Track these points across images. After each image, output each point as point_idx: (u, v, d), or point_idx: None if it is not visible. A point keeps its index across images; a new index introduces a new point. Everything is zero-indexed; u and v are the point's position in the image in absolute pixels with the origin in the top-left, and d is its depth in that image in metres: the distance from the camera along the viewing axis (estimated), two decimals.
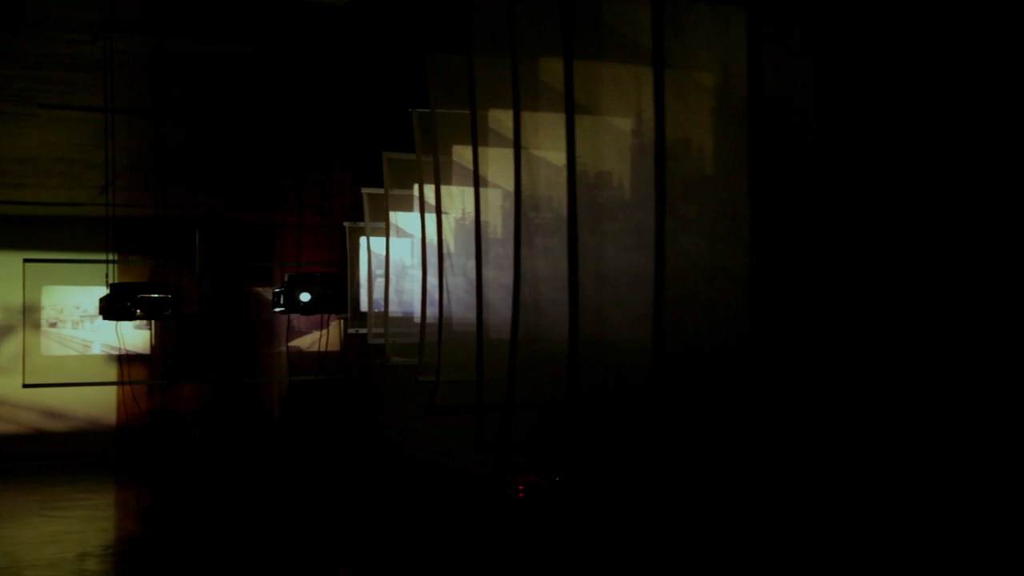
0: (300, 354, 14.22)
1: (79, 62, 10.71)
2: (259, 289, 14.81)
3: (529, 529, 9.51)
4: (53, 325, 15.28)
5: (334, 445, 14.58)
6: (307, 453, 14.63)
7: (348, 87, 11.50)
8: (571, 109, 4.76)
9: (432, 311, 7.50)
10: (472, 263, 7.32)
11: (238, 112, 12.55)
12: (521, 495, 10.64)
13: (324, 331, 12.23)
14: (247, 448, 15.39)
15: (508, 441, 5.09)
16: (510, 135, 6.85)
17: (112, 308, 10.88)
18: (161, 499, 13.15)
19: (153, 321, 13.26)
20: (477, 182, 5.97)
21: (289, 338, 14.61)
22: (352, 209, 14.09)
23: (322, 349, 12.14)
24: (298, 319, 14.10)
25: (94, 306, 14.65)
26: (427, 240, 7.56)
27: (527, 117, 6.32)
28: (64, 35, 10.04)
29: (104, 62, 10.33)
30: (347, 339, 13.88)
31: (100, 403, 16.53)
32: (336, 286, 11.45)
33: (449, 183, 7.11)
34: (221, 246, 15.63)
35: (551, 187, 6.51)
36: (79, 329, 15.10)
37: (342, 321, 13.75)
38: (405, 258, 9.13)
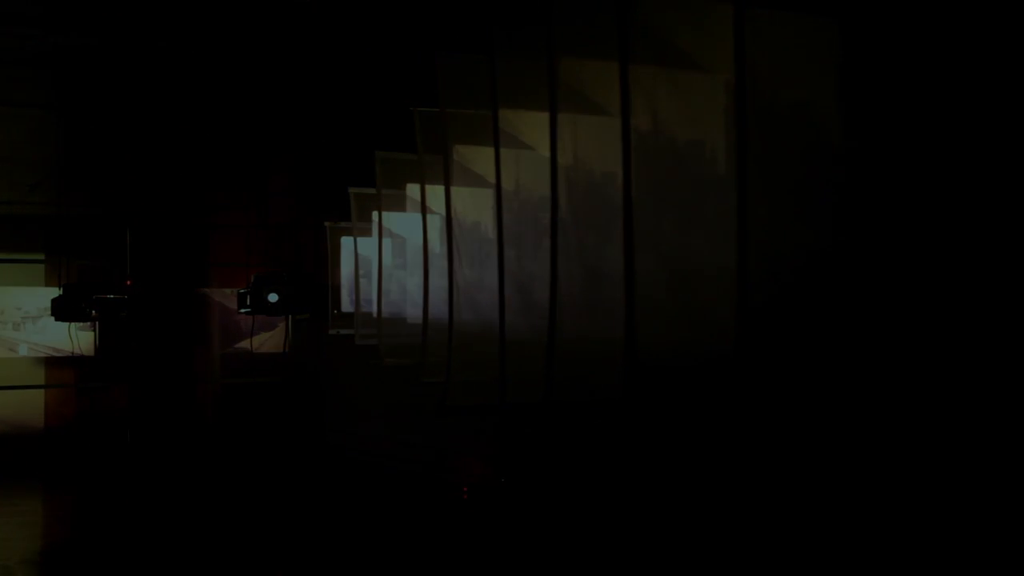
0: (248, 355, 13.99)
1: (20, 57, 10.44)
2: (207, 290, 14.53)
3: (478, 530, 9.51)
4: None
5: (278, 448, 14.41)
6: (248, 456, 14.42)
7: (302, 86, 11.43)
8: (627, 114, 4.81)
9: (432, 311, 7.48)
10: (459, 263, 7.32)
11: (187, 112, 12.35)
12: (465, 496, 10.64)
13: (287, 331, 12.09)
14: (183, 451, 15.10)
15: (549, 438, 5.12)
16: (516, 134, 6.87)
17: (65, 309, 10.57)
18: (90, 505, 12.85)
19: (97, 322, 12.94)
20: (499, 183, 5.99)
21: (236, 341, 14.41)
22: (297, 209, 14.00)
23: (285, 349, 12.00)
24: (243, 319, 13.91)
25: (35, 307, 14.24)
26: (427, 240, 7.52)
27: (540, 118, 6.35)
28: (6, 28, 9.78)
29: (54, 58, 10.09)
30: (292, 340, 13.76)
31: (26, 405, 16.04)
32: (298, 286, 11.32)
33: (451, 183, 7.09)
34: (153, 246, 15.34)
35: (559, 187, 6.53)
36: (20, 331, 14.65)
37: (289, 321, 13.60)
38: (386, 258, 9.07)
